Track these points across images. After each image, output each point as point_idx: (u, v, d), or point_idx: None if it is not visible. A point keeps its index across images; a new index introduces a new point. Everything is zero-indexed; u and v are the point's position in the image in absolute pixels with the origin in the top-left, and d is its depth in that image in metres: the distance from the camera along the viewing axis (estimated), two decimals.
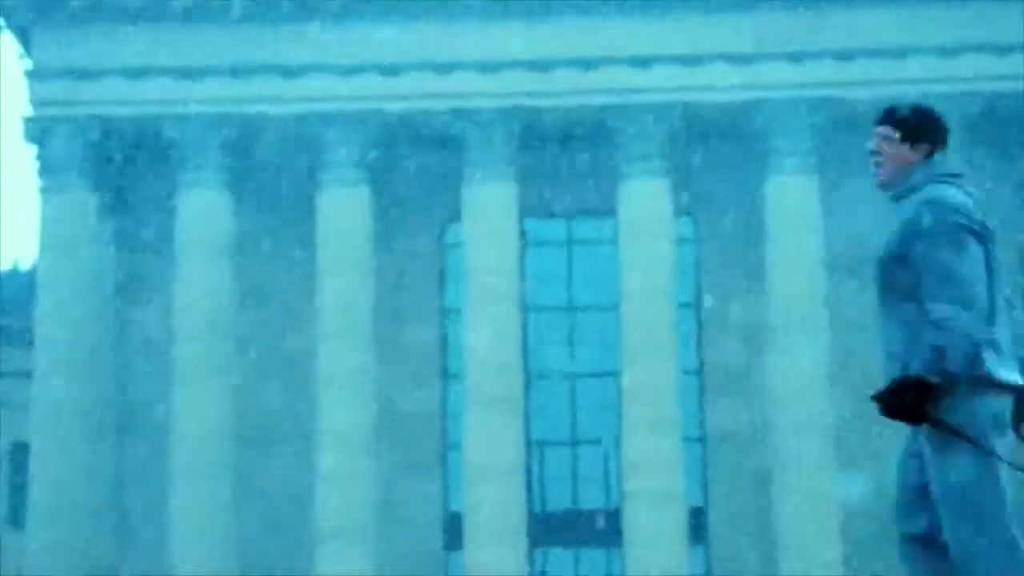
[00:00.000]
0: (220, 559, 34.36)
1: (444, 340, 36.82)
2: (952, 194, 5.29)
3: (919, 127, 5.44)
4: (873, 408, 37.07)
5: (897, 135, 5.51)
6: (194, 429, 34.71)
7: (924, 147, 5.41)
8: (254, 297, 36.38)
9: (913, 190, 5.50)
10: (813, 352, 35.52)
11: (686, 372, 36.90)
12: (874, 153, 5.55)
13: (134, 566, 35.87)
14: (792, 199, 36.06)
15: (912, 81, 35.79)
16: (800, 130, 36.16)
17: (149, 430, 36.36)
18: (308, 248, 36.45)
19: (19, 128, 36.81)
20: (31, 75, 36.06)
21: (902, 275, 5.35)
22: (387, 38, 35.93)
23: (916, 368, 5.13)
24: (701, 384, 37.72)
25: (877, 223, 37.68)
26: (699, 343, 37.69)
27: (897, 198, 5.50)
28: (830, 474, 35.10)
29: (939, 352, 5.12)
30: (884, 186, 5.59)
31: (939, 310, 5.22)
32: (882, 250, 5.38)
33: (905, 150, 5.39)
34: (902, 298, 5.35)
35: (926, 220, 5.33)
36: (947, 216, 5.29)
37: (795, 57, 35.87)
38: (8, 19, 36.34)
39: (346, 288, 34.96)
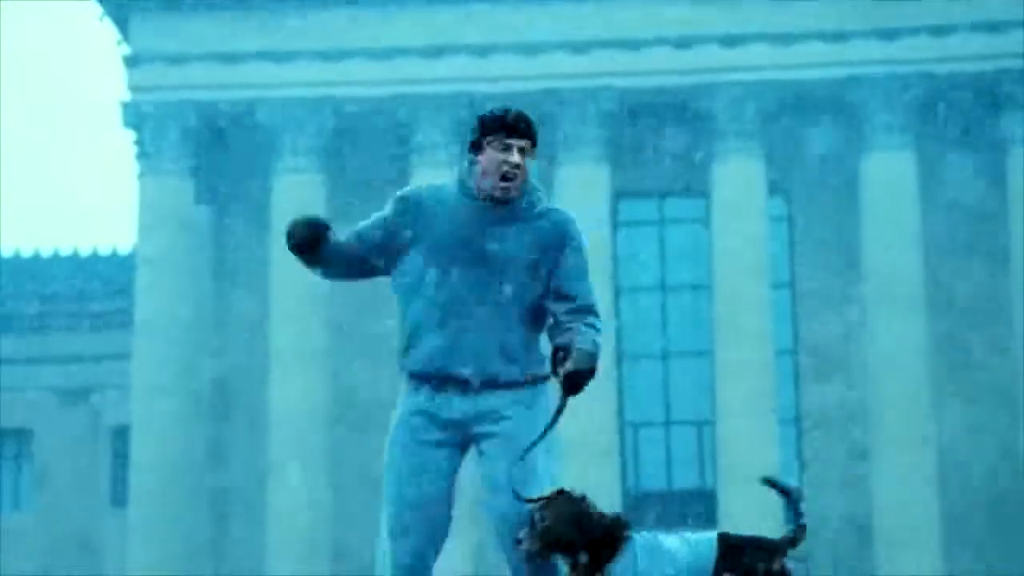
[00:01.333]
0: (316, 539, 35.47)
1: None
2: None
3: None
4: (971, 386, 37.30)
5: (534, 148, 5.74)
6: (291, 411, 35.72)
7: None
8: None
9: (539, 198, 5.77)
10: (911, 331, 35.91)
11: (780, 352, 37.40)
12: (519, 168, 5.65)
13: (233, 546, 37.13)
14: (888, 175, 36.54)
15: (1012, 55, 35.94)
16: (896, 106, 36.51)
17: (247, 412, 37.52)
18: None
19: (117, 114, 37.49)
20: (128, 61, 37.17)
21: (544, 271, 5.64)
22: (477, 18, 36.38)
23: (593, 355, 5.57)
24: (796, 364, 38.18)
25: (976, 199, 37.86)
26: (794, 323, 38.07)
27: (514, 208, 5.65)
28: (930, 453, 35.46)
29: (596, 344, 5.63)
30: (512, 199, 5.72)
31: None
32: (527, 248, 5.56)
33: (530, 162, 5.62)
34: (539, 294, 5.64)
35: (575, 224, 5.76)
36: None
37: (890, 33, 36.22)
38: (106, 5, 37.51)
39: None
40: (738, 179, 36.97)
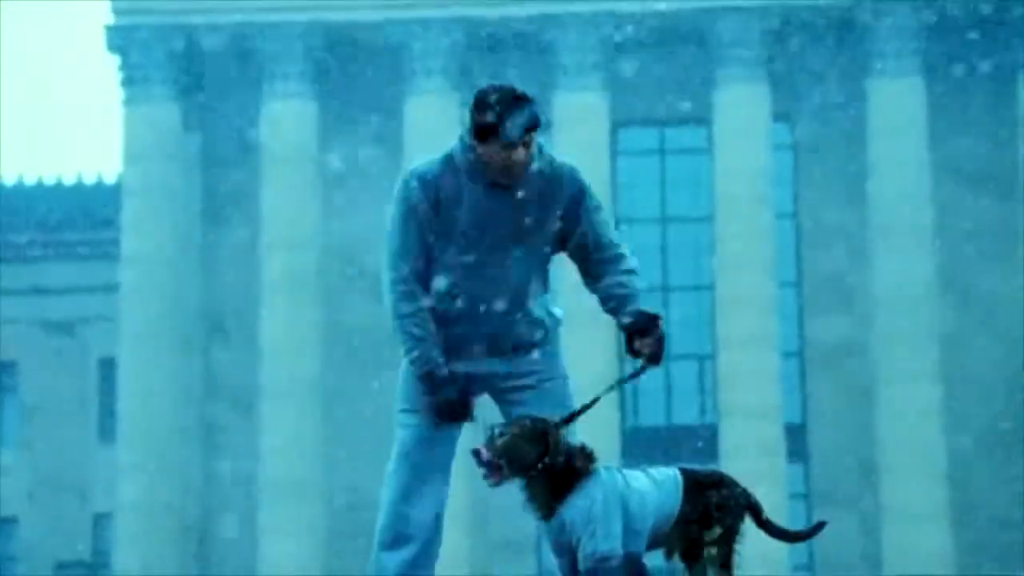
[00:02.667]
0: (308, 471, 35.56)
1: None
2: None
3: None
4: (976, 320, 37.33)
5: (536, 130, 5.95)
6: (282, 342, 35.68)
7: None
8: (339, 209, 37.11)
9: (544, 160, 6.03)
10: (918, 260, 35.96)
11: (784, 284, 37.43)
12: (523, 164, 5.83)
13: (223, 481, 37.25)
14: (895, 102, 36.48)
15: None
16: (904, 29, 36.41)
17: (237, 343, 37.51)
18: (394, 158, 36.78)
19: (101, 37, 37.17)
20: None
21: (562, 228, 6.02)
22: None
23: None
24: (800, 296, 38.25)
25: (984, 128, 37.69)
26: (798, 253, 38.22)
27: (527, 181, 5.92)
28: (936, 388, 35.58)
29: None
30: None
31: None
32: (548, 216, 5.87)
33: None
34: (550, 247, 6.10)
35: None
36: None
37: None
38: None
39: None
40: (741, 106, 36.96)
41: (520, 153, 5.76)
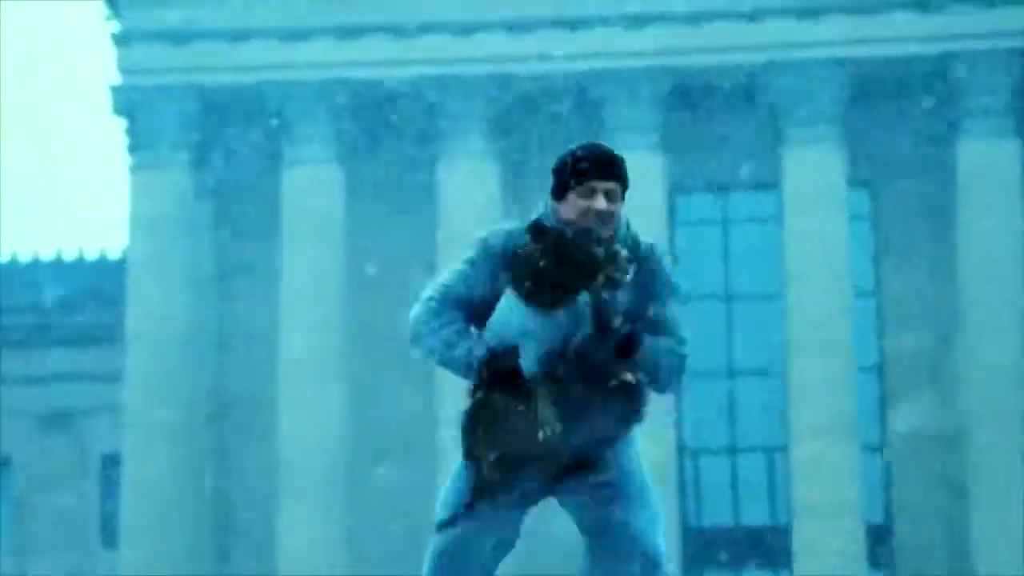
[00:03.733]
0: (331, 571, 32.89)
1: None
2: None
3: None
4: None
5: (624, 191, 5.80)
6: (304, 432, 33.20)
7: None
8: (370, 284, 35.06)
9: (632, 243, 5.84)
10: (1012, 341, 33.24)
11: (864, 368, 34.81)
12: (608, 215, 5.60)
13: None
14: (987, 166, 34.35)
15: None
16: (997, 87, 34.05)
17: (254, 435, 34.85)
18: (428, 227, 34.60)
19: (106, 100, 35.36)
20: (119, 39, 35.33)
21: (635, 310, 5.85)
22: None
23: None
24: (882, 381, 35.65)
25: None
26: (879, 334, 35.83)
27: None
28: None
29: None
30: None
31: None
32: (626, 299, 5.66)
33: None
34: None
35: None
36: None
37: (990, 1, 33.54)
38: None
39: None
40: (813, 169, 34.73)
41: (601, 202, 5.64)
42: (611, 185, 5.57)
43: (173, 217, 34.92)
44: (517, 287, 5.40)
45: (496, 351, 5.47)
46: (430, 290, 5.57)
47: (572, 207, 5.53)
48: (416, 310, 5.56)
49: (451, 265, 5.57)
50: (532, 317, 5.40)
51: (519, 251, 5.44)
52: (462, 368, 5.54)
